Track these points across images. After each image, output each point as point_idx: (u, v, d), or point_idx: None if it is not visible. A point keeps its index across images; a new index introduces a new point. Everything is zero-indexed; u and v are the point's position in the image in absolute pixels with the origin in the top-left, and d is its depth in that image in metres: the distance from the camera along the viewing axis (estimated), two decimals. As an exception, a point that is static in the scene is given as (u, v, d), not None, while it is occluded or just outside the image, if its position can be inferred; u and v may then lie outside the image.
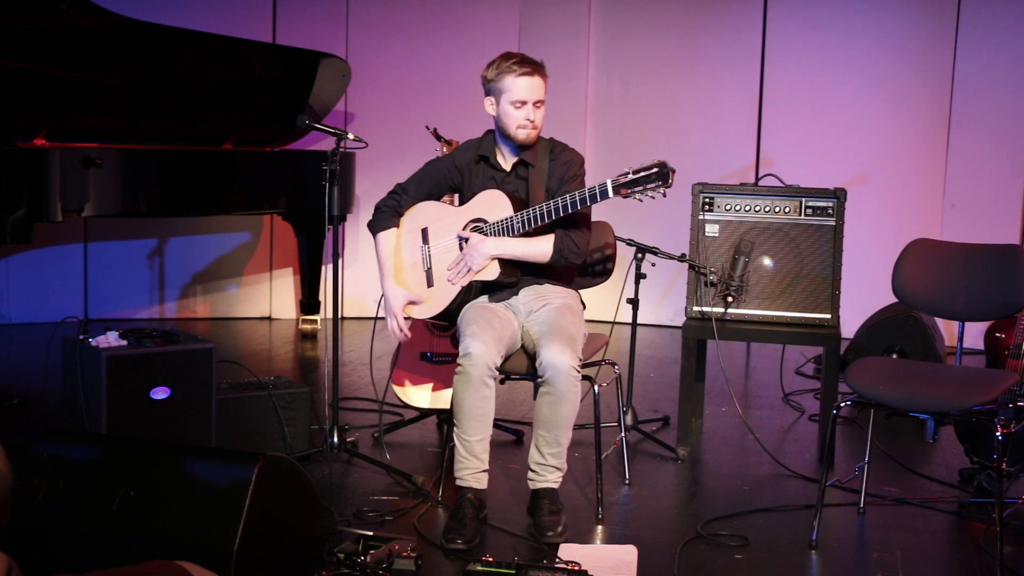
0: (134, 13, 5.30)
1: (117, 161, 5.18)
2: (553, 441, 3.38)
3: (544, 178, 3.54)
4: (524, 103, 3.46)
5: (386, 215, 3.69)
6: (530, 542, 3.28)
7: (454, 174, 3.65)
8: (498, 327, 3.43)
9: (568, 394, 3.32)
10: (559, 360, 3.29)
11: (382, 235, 3.69)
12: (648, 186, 3.27)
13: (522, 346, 3.55)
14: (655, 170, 3.26)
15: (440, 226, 3.62)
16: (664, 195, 3.29)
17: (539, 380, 3.36)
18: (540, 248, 3.49)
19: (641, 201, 3.33)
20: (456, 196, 3.74)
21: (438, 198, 3.71)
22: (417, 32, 7.06)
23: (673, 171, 3.26)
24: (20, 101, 5.23)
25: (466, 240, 3.54)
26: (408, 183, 3.71)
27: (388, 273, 3.67)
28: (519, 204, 3.50)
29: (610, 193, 3.30)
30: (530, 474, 3.45)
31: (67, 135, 5.49)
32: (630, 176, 3.29)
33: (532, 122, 3.48)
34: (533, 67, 3.47)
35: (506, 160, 3.59)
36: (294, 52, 6.29)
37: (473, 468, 3.41)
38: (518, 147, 3.55)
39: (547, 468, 3.41)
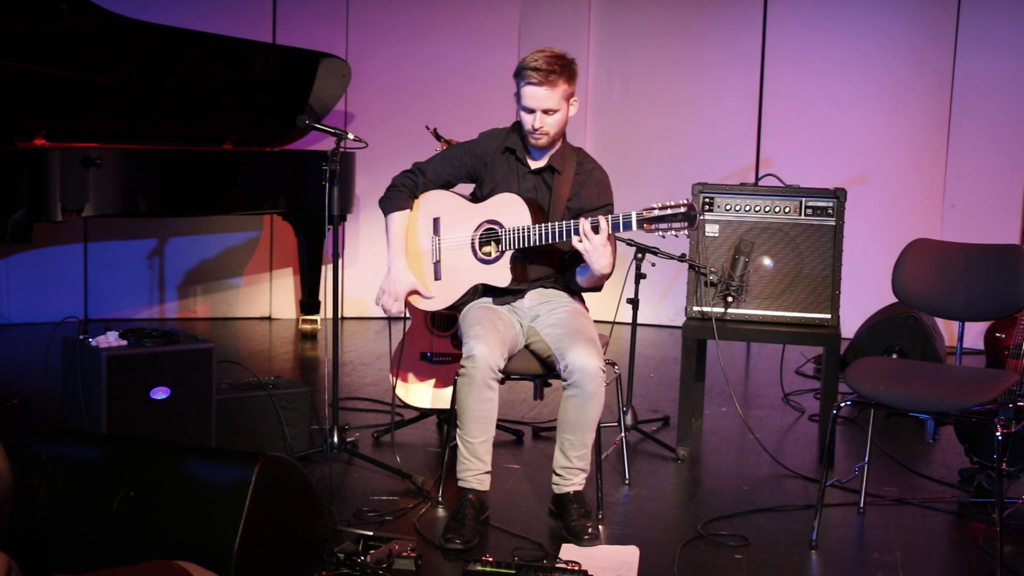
0: (134, 13, 5.29)
1: (117, 161, 5.18)
2: (579, 443, 3.38)
3: (569, 189, 3.52)
4: (531, 111, 3.44)
5: (402, 195, 3.63)
6: (530, 542, 3.28)
7: (476, 162, 3.60)
8: (502, 329, 3.42)
9: (596, 395, 3.32)
10: (586, 362, 3.29)
11: (395, 215, 3.63)
12: (673, 224, 3.24)
13: (528, 348, 3.56)
14: (682, 210, 3.23)
15: (453, 219, 3.60)
16: (688, 235, 3.28)
17: (565, 384, 3.35)
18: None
19: (663, 237, 3.31)
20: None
21: (454, 185, 3.70)
22: (417, 32, 7.06)
23: (700, 215, 3.25)
24: (20, 101, 5.23)
25: (481, 241, 3.52)
26: (427, 165, 3.65)
27: (399, 253, 3.62)
28: (536, 210, 3.47)
29: (633, 226, 3.28)
30: (555, 479, 3.45)
31: (67, 135, 5.49)
32: (655, 212, 3.26)
33: (538, 130, 3.45)
34: (543, 76, 3.37)
35: (531, 158, 3.56)
36: (294, 52, 6.29)
37: (475, 470, 3.41)
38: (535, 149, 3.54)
39: (573, 471, 3.41)
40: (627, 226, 3.29)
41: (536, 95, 3.40)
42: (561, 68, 3.40)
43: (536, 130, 3.44)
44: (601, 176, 3.58)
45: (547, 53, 3.42)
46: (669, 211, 3.24)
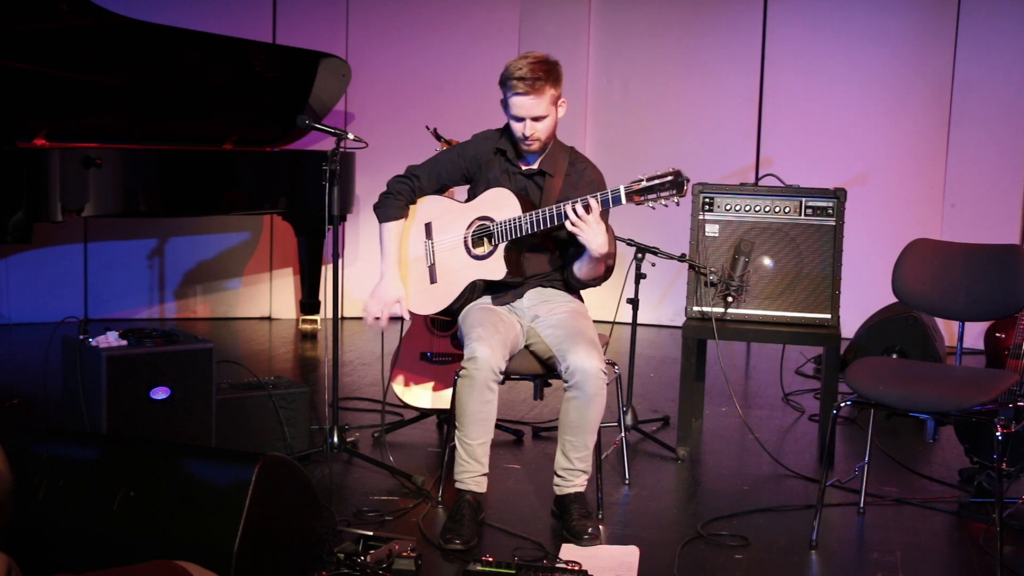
0: (134, 13, 5.30)
1: (117, 161, 5.18)
2: (581, 445, 3.38)
3: (559, 191, 3.51)
4: (521, 119, 3.43)
5: (398, 203, 3.63)
6: (530, 542, 3.28)
7: (470, 164, 3.60)
8: (503, 330, 3.42)
9: (597, 397, 3.31)
10: (587, 363, 3.29)
11: (389, 225, 3.63)
12: (662, 194, 3.24)
13: (528, 349, 3.55)
14: (669, 178, 3.23)
15: (444, 222, 3.60)
16: (678, 204, 3.28)
17: (566, 385, 3.35)
18: (612, 250, 3.45)
19: (654, 208, 3.30)
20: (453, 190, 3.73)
21: (449, 188, 3.69)
22: (417, 32, 7.06)
23: (688, 180, 3.26)
24: (20, 101, 5.23)
25: (474, 238, 3.52)
26: (421, 170, 3.65)
27: (392, 264, 3.62)
28: (528, 205, 3.47)
29: (623, 199, 3.28)
30: (556, 480, 3.45)
31: (67, 135, 5.49)
32: (643, 183, 3.26)
33: (529, 137, 3.44)
34: (528, 85, 3.36)
35: (522, 160, 3.55)
36: (294, 52, 6.29)
37: (473, 472, 3.40)
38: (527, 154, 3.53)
39: (574, 472, 3.41)
40: (616, 201, 3.28)
41: (524, 104, 3.39)
42: (546, 73, 3.38)
43: (527, 137, 3.45)
44: (593, 175, 3.57)
45: (530, 59, 3.40)
46: (657, 181, 3.25)
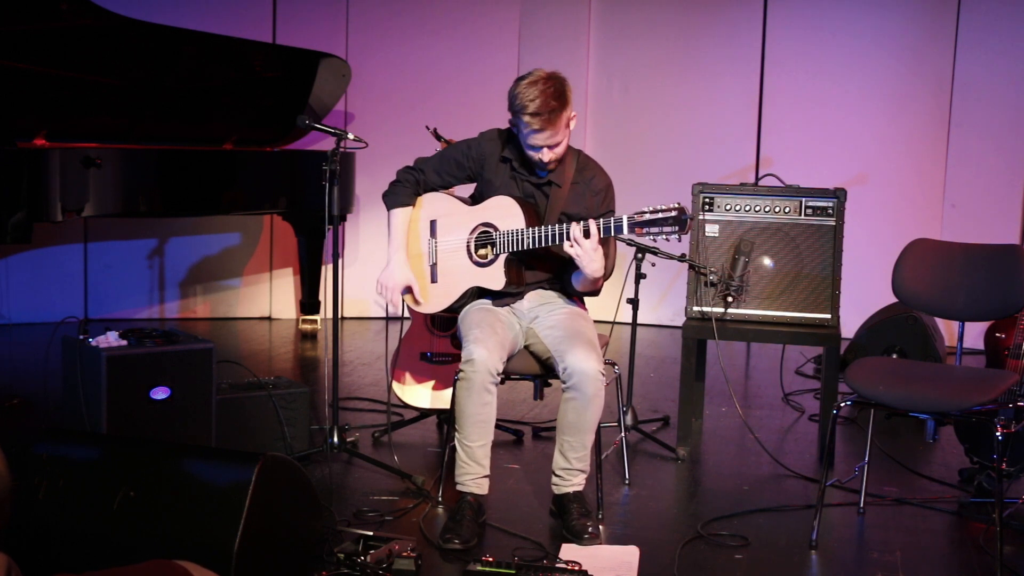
0: (134, 13, 5.30)
1: (117, 161, 5.18)
2: (579, 445, 3.39)
3: (565, 201, 3.50)
4: (538, 148, 3.40)
5: (406, 191, 3.64)
6: (530, 542, 3.28)
7: (474, 165, 3.58)
8: (501, 332, 3.42)
9: (595, 398, 3.32)
10: (585, 365, 3.29)
11: (397, 211, 3.65)
12: (664, 228, 3.23)
13: (527, 349, 3.55)
14: (673, 214, 3.21)
15: (449, 222, 3.60)
16: (679, 239, 3.28)
17: (564, 386, 3.35)
18: (609, 266, 3.45)
19: (655, 241, 3.30)
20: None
21: (453, 186, 3.70)
22: (417, 32, 7.06)
23: (692, 219, 3.25)
24: (20, 101, 5.23)
25: (477, 244, 3.52)
26: (427, 165, 3.65)
27: (400, 247, 3.63)
28: (531, 213, 3.46)
29: (625, 230, 3.27)
30: (555, 479, 3.45)
31: (67, 135, 5.49)
32: (647, 216, 3.25)
33: (547, 163, 3.43)
34: (544, 121, 3.31)
35: (528, 170, 3.53)
36: (294, 52, 6.29)
37: (474, 474, 3.40)
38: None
39: (572, 472, 3.42)
40: (618, 230, 3.28)
41: (541, 138, 3.37)
42: (559, 101, 3.33)
43: (545, 162, 3.43)
44: (600, 184, 3.55)
45: (540, 87, 3.32)
46: (660, 215, 3.23)
